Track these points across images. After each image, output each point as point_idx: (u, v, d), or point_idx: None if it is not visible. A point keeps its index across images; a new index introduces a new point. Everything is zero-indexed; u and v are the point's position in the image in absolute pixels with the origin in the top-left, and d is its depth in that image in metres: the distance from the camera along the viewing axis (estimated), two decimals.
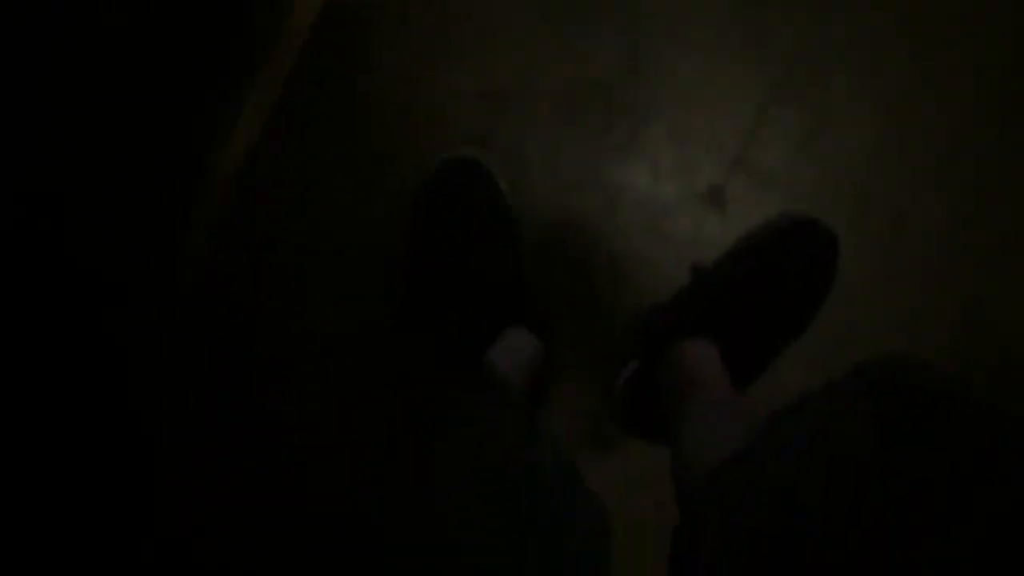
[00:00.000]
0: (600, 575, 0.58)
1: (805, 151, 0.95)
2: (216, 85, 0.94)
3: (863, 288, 0.96)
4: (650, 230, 0.94)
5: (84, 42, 0.78)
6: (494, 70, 0.94)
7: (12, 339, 0.79)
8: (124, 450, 0.90)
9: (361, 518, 0.46)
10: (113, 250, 0.88)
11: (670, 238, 0.95)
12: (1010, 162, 0.96)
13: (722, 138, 0.95)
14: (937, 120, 0.96)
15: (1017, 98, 0.97)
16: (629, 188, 0.94)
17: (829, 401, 0.51)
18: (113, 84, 0.82)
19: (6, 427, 0.80)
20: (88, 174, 0.82)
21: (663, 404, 0.86)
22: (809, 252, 0.85)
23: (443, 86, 0.94)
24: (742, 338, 0.85)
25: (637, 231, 0.93)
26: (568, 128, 0.94)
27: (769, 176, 0.95)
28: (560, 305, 0.94)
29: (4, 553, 0.74)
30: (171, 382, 0.94)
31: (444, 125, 0.94)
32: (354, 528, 0.45)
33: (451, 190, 0.88)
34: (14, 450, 0.80)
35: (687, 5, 0.95)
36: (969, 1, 0.96)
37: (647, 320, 0.93)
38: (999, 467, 0.38)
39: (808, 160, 0.95)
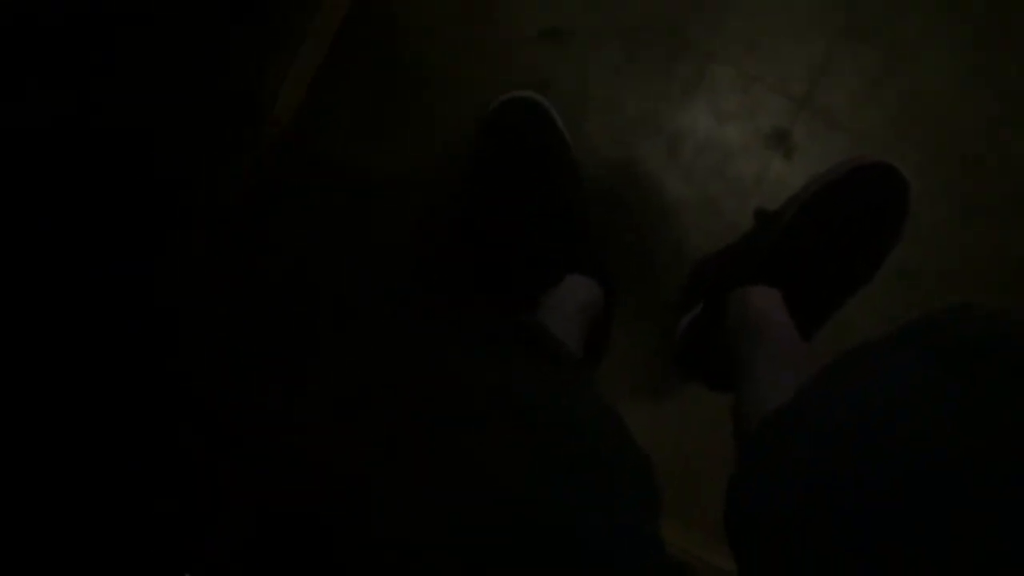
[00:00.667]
0: (649, 520, 0.59)
1: (875, 92, 0.92)
2: (274, 14, 0.94)
3: (934, 229, 0.94)
4: (713, 174, 0.93)
5: None
6: (556, 7, 0.93)
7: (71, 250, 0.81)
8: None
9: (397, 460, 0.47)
10: (166, 184, 0.90)
11: (734, 182, 0.94)
12: None
13: (788, 78, 0.92)
14: (1015, 61, 0.92)
15: None
16: (692, 130, 0.92)
17: (891, 355, 0.51)
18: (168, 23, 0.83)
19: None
20: (142, 110, 0.83)
21: (725, 350, 0.86)
22: (878, 198, 0.83)
23: (504, 24, 0.93)
24: (807, 285, 0.84)
25: (700, 175, 0.91)
26: (631, 67, 0.92)
27: (837, 118, 0.92)
28: (620, 250, 0.94)
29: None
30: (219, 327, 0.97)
31: (505, 64, 0.93)
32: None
33: (510, 131, 0.88)
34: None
35: None
36: None
37: (710, 265, 0.92)
38: None
39: (878, 101, 0.92)
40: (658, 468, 0.57)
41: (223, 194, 0.96)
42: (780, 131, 0.93)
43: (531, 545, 0.43)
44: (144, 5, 0.79)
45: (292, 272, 0.97)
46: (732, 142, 0.93)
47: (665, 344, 0.94)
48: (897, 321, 0.50)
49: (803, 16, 0.92)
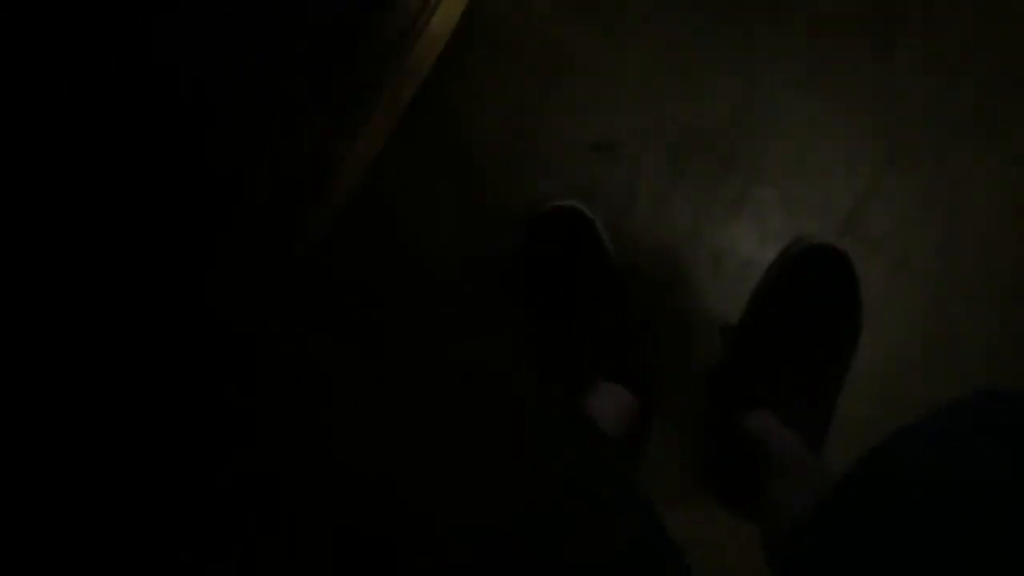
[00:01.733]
0: None
1: (917, 221, 0.93)
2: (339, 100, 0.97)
3: (988, 357, 0.94)
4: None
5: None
6: (606, 120, 0.95)
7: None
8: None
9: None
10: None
11: None
12: None
13: (833, 201, 0.94)
14: None
15: None
16: (734, 249, 0.94)
17: (943, 437, 0.50)
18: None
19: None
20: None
21: (738, 483, 0.86)
22: (822, 279, 0.86)
23: (553, 134, 0.95)
24: (795, 389, 0.84)
25: (742, 294, 0.92)
26: (678, 181, 0.94)
27: (878, 243, 0.93)
28: (657, 361, 0.95)
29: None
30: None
31: (553, 173, 0.95)
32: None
33: (554, 240, 0.90)
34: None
35: (816, 55, 0.94)
36: None
37: (706, 398, 0.93)
38: None
39: (921, 230, 0.93)
40: None
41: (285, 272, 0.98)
42: None
43: None
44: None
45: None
46: None
47: (694, 460, 0.95)
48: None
49: (849, 142, 0.94)
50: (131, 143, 0.78)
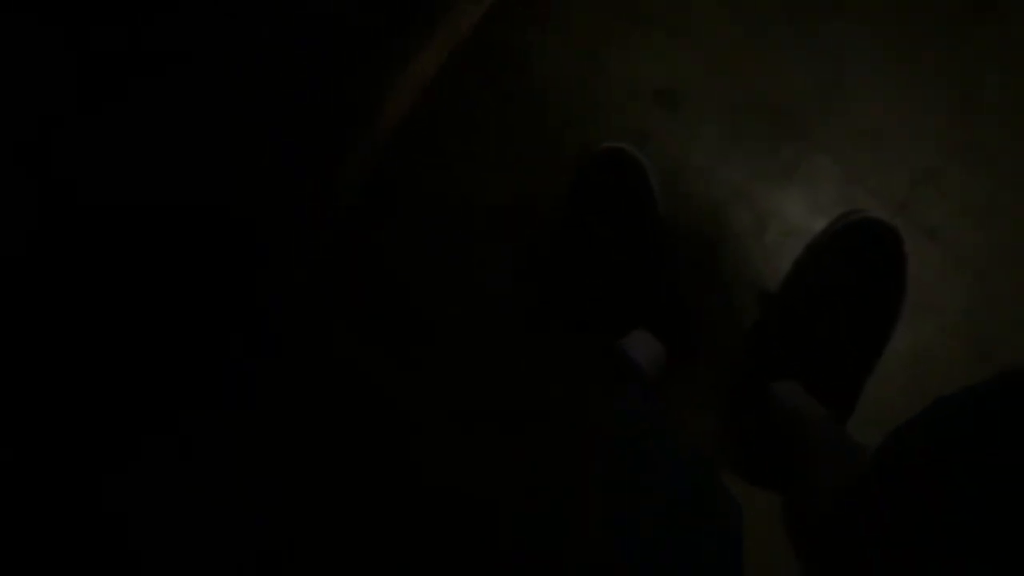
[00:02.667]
0: (734, 560, 0.59)
1: (976, 217, 0.91)
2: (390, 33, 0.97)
3: (1009, 357, 0.91)
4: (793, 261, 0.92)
5: None
6: (675, 71, 0.94)
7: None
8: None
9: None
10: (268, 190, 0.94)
11: None
12: None
13: (890, 182, 0.92)
14: None
15: None
16: (782, 215, 0.92)
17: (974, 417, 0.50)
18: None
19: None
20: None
21: (763, 454, 0.85)
22: (867, 257, 0.84)
23: (621, 76, 0.95)
24: (827, 363, 0.83)
25: (783, 259, 0.91)
26: (734, 141, 0.93)
27: (931, 232, 0.91)
28: (692, 316, 0.94)
29: None
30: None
31: (613, 115, 0.95)
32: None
33: (604, 181, 0.90)
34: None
35: (900, 35, 0.92)
36: None
37: (738, 360, 0.92)
38: None
39: (976, 227, 0.91)
40: None
41: (328, 206, 0.99)
42: None
43: None
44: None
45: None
46: None
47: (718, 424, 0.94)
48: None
49: (919, 126, 0.91)
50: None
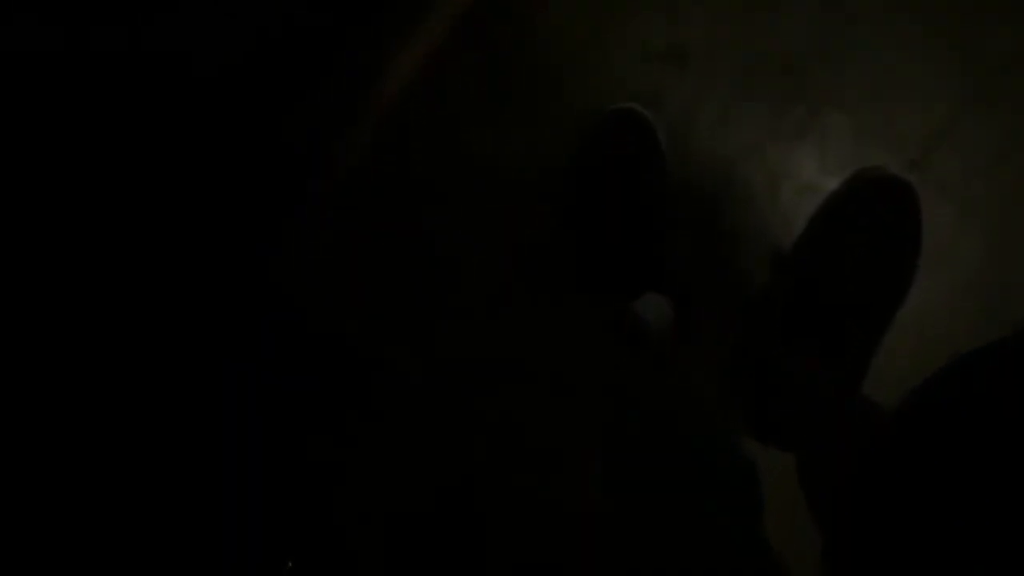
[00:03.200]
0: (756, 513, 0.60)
1: (992, 168, 0.90)
2: None
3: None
4: (807, 220, 0.92)
5: None
6: (682, 30, 0.93)
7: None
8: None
9: None
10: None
11: None
12: None
13: (903, 139, 0.90)
14: None
15: None
16: (793, 175, 0.91)
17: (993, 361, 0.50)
18: None
19: None
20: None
21: (774, 420, 0.86)
22: (882, 214, 0.83)
23: (629, 37, 0.93)
24: (842, 321, 0.83)
25: (794, 218, 0.90)
26: (744, 101, 0.92)
27: (945, 187, 0.90)
28: (700, 277, 0.94)
29: None
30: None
31: (621, 76, 0.94)
32: None
33: (612, 142, 0.89)
34: None
35: None
36: None
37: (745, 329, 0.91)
38: None
39: (990, 179, 0.89)
40: None
41: (337, 164, 0.98)
42: None
43: None
44: None
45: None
46: None
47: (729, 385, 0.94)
48: None
49: (930, 77, 0.90)
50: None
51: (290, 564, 0.86)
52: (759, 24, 0.92)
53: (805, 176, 0.91)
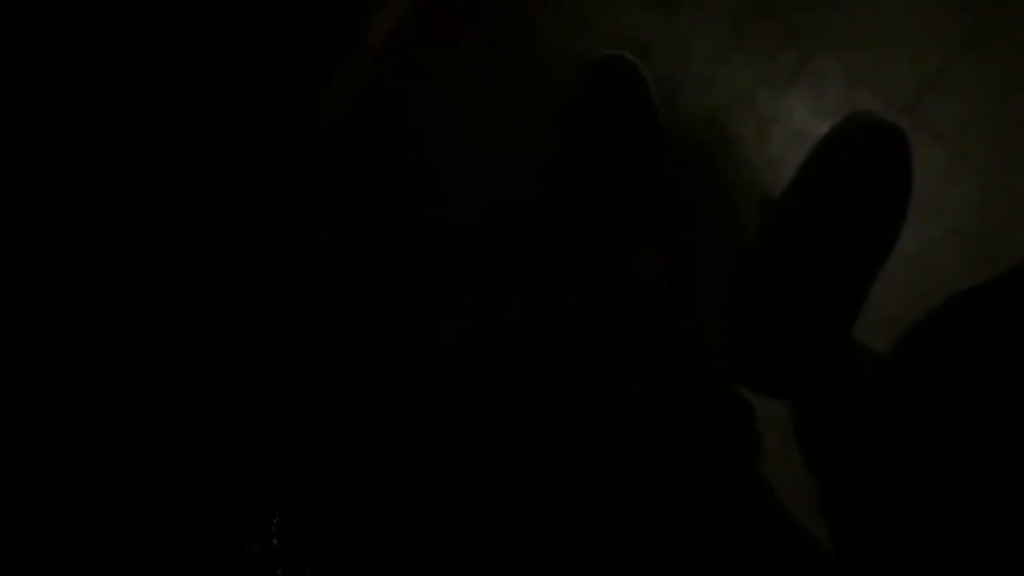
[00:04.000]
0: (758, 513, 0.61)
1: (985, 113, 0.89)
2: None
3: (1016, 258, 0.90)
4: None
5: None
6: None
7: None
8: None
9: None
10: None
11: None
12: None
13: (895, 84, 0.89)
14: None
15: None
16: (785, 120, 0.91)
17: (991, 299, 0.49)
18: None
19: None
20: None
21: (774, 364, 0.86)
22: (873, 158, 0.83)
23: None
24: (833, 266, 0.83)
25: (786, 166, 0.90)
26: (735, 46, 0.91)
27: (937, 132, 0.89)
28: (693, 226, 0.94)
29: None
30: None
31: (610, 21, 0.93)
32: None
33: (602, 90, 0.89)
34: None
35: None
36: None
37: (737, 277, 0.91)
38: None
39: (987, 123, 0.89)
40: None
41: (325, 112, 0.98)
42: None
43: None
44: None
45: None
46: None
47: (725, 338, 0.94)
48: None
49: (923, 20, 0.89)
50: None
51: (276, 519, 0.86)
52: None
53: (796, 122, 0.90)
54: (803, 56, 0.90)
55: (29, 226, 0.79)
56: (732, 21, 0.91)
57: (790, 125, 0.90)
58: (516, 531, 0.74)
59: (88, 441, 0.83)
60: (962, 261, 0.90)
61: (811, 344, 0.81)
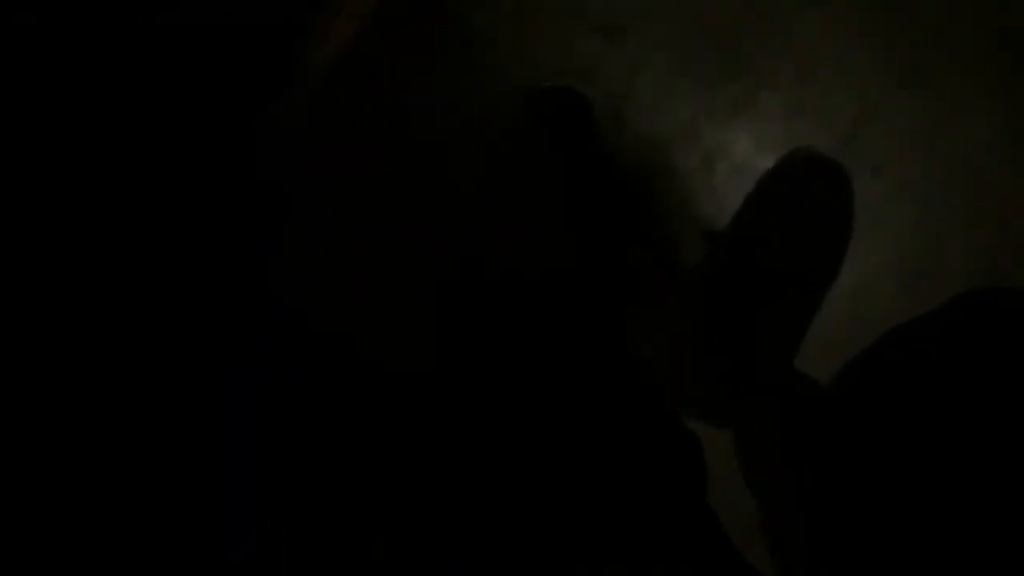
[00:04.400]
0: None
1: (921, 146, 0.90)
2: None
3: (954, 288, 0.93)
4: (742, 199, 0.92)
5: None
6: (618, 2, 0.91)
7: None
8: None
9: None
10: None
11: None
12: None
13: (836, 116, 0.91)
14: None
15: None
16: (729, 153, 0.91)
17: (931, 328, 0.51)
18: None
19: None
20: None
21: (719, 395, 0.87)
22: (817, 191, 0.85)
23: (557, 10, 0.91)
24: (774, 299, 0.84)
25: (729, 198, 0.91)
26: (681, 76, 0.91)
27: (877, 165, 0.91)
28: (639, 255, 0.94)
29: None
30: None
31: (556, 50, 0.92)
32: None
33: (550, 121, 0.88)
34: None
35: None
36: None
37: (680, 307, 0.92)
38: None
39: (922, 156, 0.90)
40: None
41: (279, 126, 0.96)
42: None
43: None
44: None
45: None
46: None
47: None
48: None
49: (862, 56, 0.90)
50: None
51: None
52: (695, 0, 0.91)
53: (740, 155, 0.91)
54: (747, 89, 0.90)
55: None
56: (677, 51, 0.91)
57: (733, 158, 0.91)
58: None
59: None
60: (899, 292, 0.92)
61: (753, 373, 0.82)
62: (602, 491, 0.59)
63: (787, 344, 0.86)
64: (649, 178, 0.92)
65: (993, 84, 0.90)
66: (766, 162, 0.89)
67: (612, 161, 0.89)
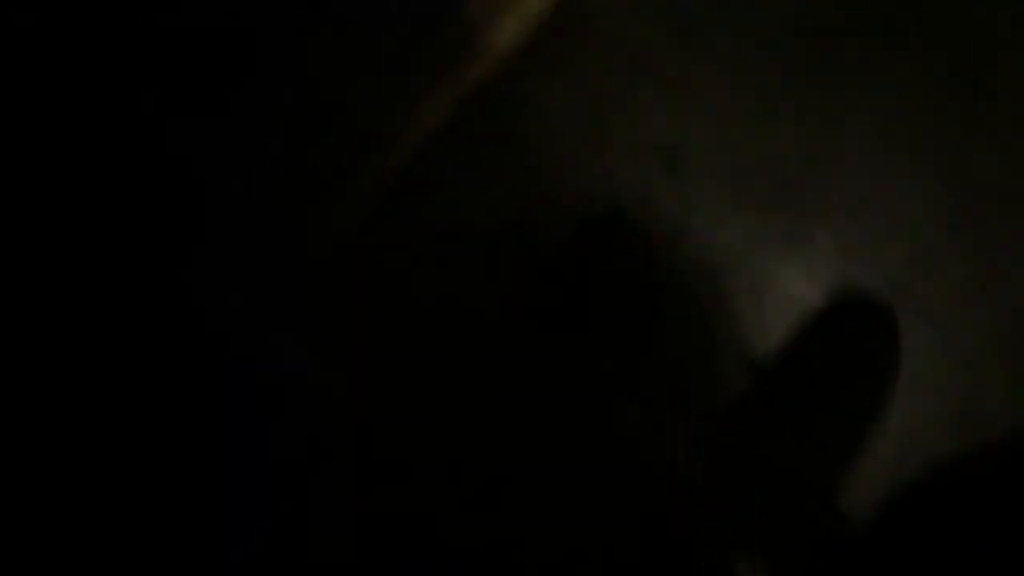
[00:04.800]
0: None
1: (976, 295, 0.91)
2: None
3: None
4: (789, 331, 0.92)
5: None
6: (674, 130, 0.94)
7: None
8: None
9: None
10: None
11: None
12: None
13: (887, 259, 0.91)
14: None
15: None
16: (779, 286, 0.92)
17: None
18: None
19: None
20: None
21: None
22: (864, 333, 0.85)
23: (623, 133, 0.94)
24: (817, 440, 0.83)
25: (776, 330, 0.91)
26: (734, 207, 0.93)
27: (928, 311, 0.91)
28: (682, 385, 0.94)
29: None
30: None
31: (614, 172, 0.94)
32: None
33: (602, 243, 0.90)
34: None
35: (902, 109, 0.93)
36: None
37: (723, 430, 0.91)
38: None
39: (975, 306, 0.90)
40: None
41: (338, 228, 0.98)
42: None
43: None
44: None
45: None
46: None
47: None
48: None
49: (917, 202, 0.91)
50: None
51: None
52: (753, 133, 0.93)
53: (789, 289, 0.92)
54: (801, 224, 0.92)
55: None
56: (733, 181, 0.93)
57: (782, 291, 0.92)
58: None
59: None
60: (945, 440, 0.91)
61: (793, 508, 0.80)
62: None
63: (829, 481, 0.84)
64: (698, 305, 0.92)
65: None
66: (815, 295, 0.89)
67: (664, 288, 0.90)
